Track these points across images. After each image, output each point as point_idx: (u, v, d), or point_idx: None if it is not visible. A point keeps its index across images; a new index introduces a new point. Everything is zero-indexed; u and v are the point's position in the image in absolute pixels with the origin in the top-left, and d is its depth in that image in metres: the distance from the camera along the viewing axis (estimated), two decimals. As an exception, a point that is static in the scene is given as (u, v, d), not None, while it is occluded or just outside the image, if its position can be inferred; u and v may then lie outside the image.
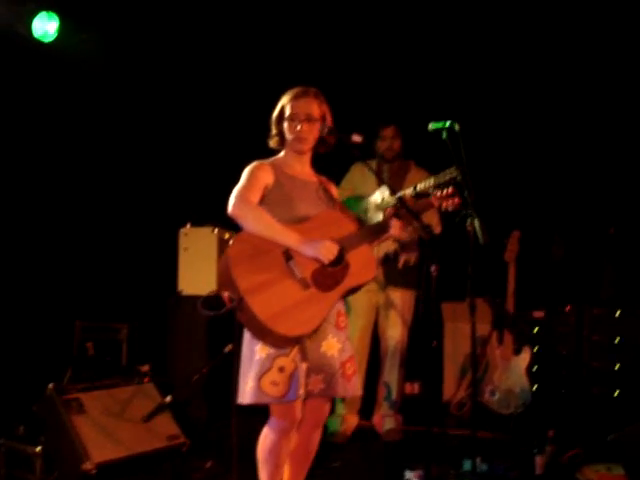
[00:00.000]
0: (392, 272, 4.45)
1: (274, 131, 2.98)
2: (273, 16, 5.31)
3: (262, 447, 2.87)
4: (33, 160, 5.27)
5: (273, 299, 2.63)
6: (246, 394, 2.72)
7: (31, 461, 3.55)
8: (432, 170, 3.56)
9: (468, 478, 3.66)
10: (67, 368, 4.64)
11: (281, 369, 2.68)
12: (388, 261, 4.44)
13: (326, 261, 2.74)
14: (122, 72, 5.36)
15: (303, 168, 2.98)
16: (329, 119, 2.95)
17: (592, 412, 4.66)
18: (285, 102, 2.93)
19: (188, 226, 4.92)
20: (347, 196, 4.37)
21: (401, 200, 3.06)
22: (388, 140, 4.51)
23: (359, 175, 4.47)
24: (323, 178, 3.06)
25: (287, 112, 2.90)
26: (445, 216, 3.94)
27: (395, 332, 4.51)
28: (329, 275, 2.76)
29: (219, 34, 5.43)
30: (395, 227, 2.96)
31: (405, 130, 4.55)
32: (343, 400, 4.47)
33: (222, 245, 4.79)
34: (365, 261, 2.88)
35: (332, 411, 4.46)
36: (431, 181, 3.54)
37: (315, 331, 2.74)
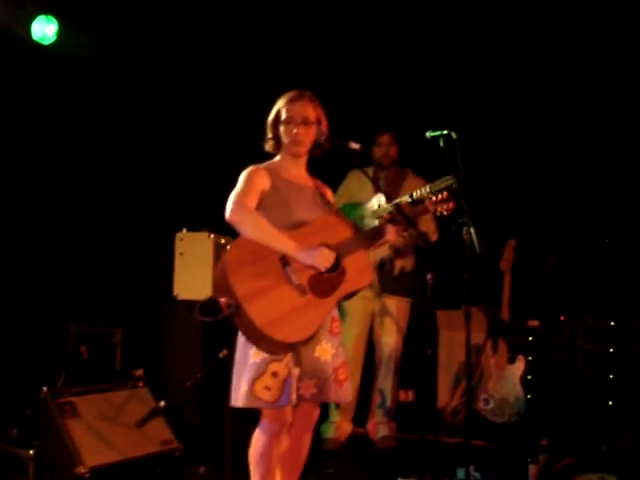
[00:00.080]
0: (387, 279, 4.45)
1: (270, 135, 2.98)
2: (269, 22, 5.33)
3: (254, 450, 2.86)
4: (30, 163, 5.28)
5: (270, 305, 2.62)
6: (239, 398, 2.72)
7: (24, 464, 3.53)
8: (429, 178, 3.57)
9: (461, 486, 3.66)
10: (61, 372, 4.62)
11: (274, 374, 2.68)
12: (384, 267, 4.44)
13: (323, 269, 2.74)
14: (120, 75, 5.37)
15: (299, 172, 2.99)
16: (324, 122, 2.96)
17: (586, 421, 4.66)
18: (281, 105, 2.93)
19: (184, 231, 4.93)
20: (344, 203, 4.37)
21: (398, 207, 3.07)
22: (384, 147, 4.51)
23: (356, 182, 4.47)
24: (318, 182, 3.06)
25: (283, 115, 2.90)
26: (441, 224, 3.94)
27: (390, 339, 4.51)
28: (326, 281, 2.76)
29: (216, 39, 5.45)
30: (391, 232, 2.97)
31: (403, 138, 4.56)
32: (337, 407, 4.46)
33: (218, 250, 4.80)
34: (361, 267, 2.88)
35: (326, 418, 4.46)
36: (427, 189, 3.54)
37: (312, 337, 2.74)
